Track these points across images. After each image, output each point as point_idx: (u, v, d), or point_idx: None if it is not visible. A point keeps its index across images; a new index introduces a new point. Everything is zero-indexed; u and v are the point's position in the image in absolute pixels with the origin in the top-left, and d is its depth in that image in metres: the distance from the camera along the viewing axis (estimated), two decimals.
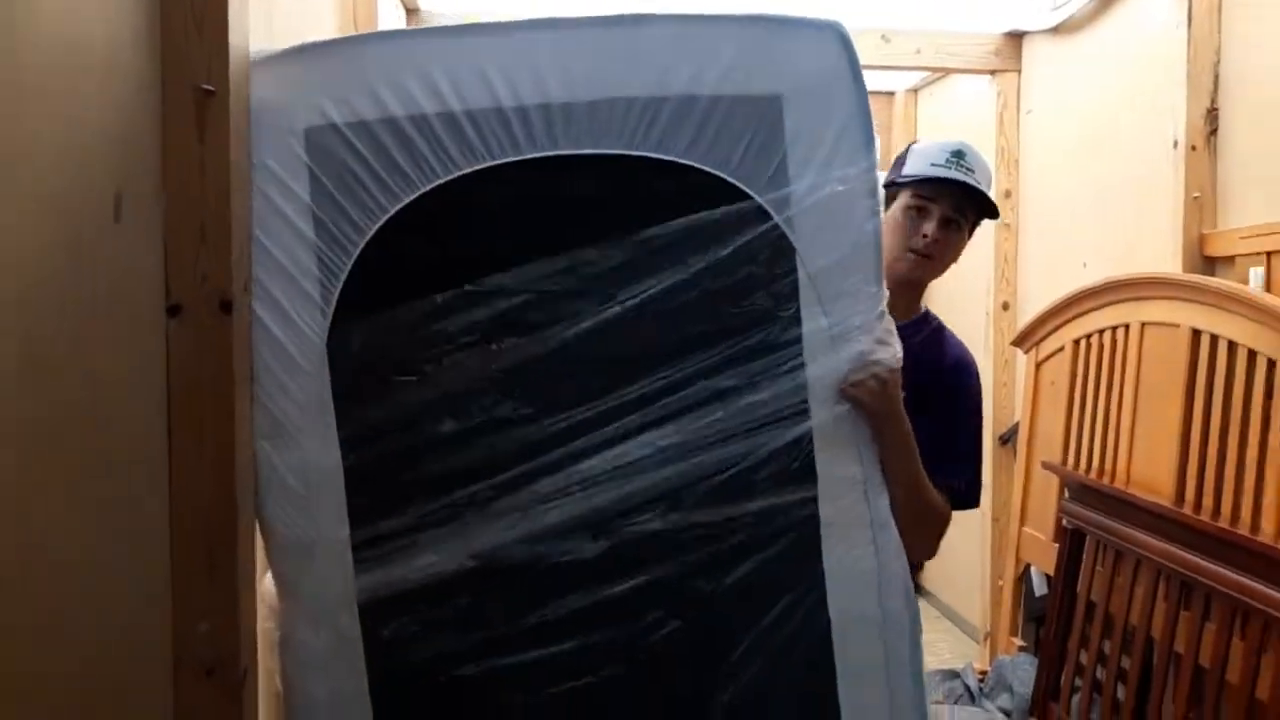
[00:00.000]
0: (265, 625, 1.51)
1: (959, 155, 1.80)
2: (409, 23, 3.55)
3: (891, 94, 5.04)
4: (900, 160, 1.88)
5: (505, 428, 1.40)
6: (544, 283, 1.40)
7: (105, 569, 1.17)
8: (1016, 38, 3.89)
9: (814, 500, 1.45)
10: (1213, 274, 2.76)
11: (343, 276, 1.37)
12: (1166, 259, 2.89)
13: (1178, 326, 2.68)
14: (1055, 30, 3.66)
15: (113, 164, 1.16)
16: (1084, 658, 2.88)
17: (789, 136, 1.42)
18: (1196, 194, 2.79)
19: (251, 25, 1.38)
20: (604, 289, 1.41)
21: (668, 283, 1.41)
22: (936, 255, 1.81)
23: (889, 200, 1.84)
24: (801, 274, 1.44)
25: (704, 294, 1.42)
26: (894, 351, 1.51)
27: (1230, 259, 2.71)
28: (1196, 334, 2.61)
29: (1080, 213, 3.53)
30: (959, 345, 1.87)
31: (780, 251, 1.43)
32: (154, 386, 1.28)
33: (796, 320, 1.44)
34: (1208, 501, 2.50)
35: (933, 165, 1.80)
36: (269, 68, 1.38)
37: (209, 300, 1.30)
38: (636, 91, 1.40)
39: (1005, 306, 3.97)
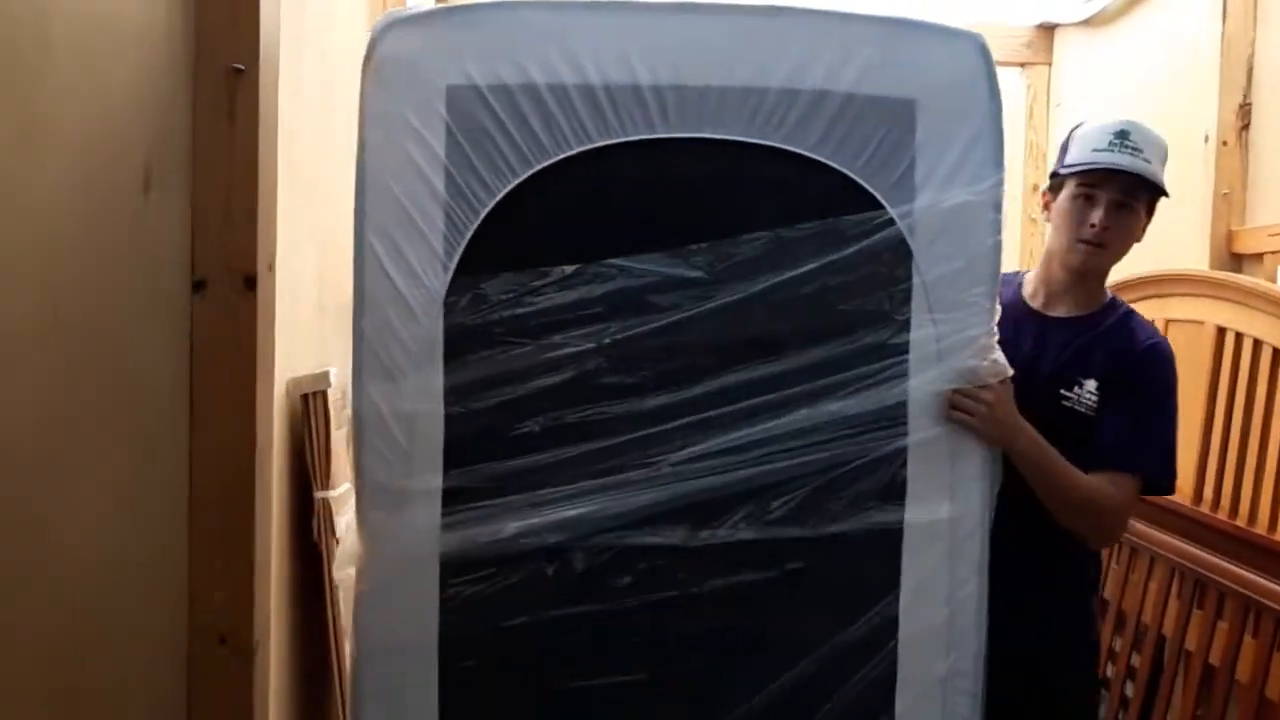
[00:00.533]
0: (343, 573, 1.53)
1: (1123, 135, 1.71)
2: None
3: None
4: (1064, 147, 1.82)
5: (606, 402, 1.42)
6: (663, 267, 1.42)
7: (123, 534, 1.20)
8: (1048, 30, 3.86)
9: (900, 521, 1.48)
10: (1240, 271, 2.73)
11: (468, 234, 1.39)
12: (1194, 256, 2.86)
13: (1203, 324, 2.66)
14: (1087, 23, 3.62)
15: (143, 138, 1.19)
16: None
17: (919, 142, 1.44)
18: (1226, 190, 2.77)
19: (283, 6, 1.40)
20: (720, 278, 1.43)
21: (784, 277, 1.43)
22: (1109, 243, 1.73)
23: (1055, 190, 1.80)
24: (916, 280, 1.46)
25: (819, 291, 1.44)
26: (1000, 368, 1.52)
27: (1258, 256, 2.68)
28: (1221, 331, 2.59)
29: None
30: (1149, 330, 1.80)
31: (898, 256, 1.45)
32: (177, 358, 1.31)
33: (906, 326, 1.46)
34: (1226, 500, 2.49)
35: (1095, 151, 1.72)
36: (415, 25, 1.40)
37: (233, 277, 1.32)
38: (771, 82, 1.42)
39: None
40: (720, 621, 1.47)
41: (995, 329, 1.53)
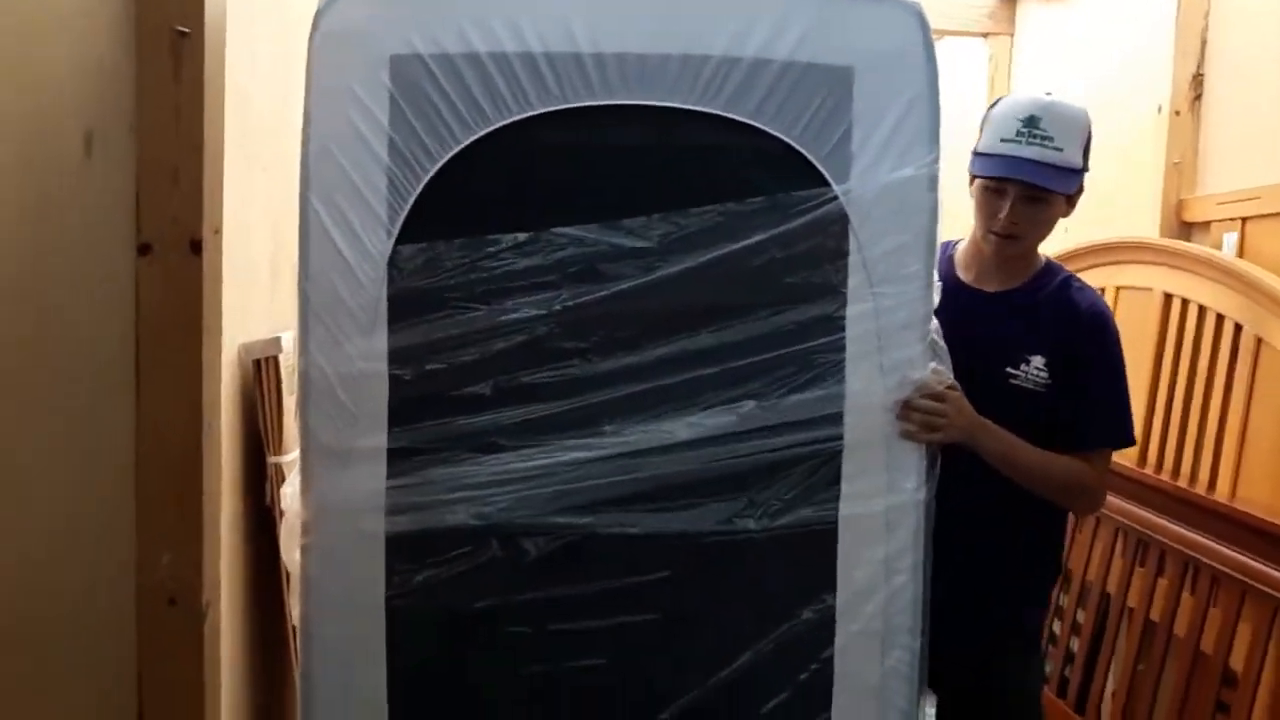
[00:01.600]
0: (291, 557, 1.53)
1: (1032, 122, 1.64)
2: None
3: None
4: (981, 126, 1.77)
5: (550, 366, 1.44)
6: (611, 238, 1.44)
7: (71, 498, 1.21)
8: (1010, 2, 3.88)
9: (835, 510, 1.50)
10: (1190, 239, 2.78)
11: (410, 200, 1.41)
12: (1145, 223, 2.91)
13: (1151, 290, 2.71)
14: None
15: (84, 102, 1.18)
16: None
17: (856, 109, 1.45)
18: (1178, 159, 2.81)
19: None
20: (667, 249, 1.45)
21: (724, 246, 1.45)
22: (1019, 234, 1.69)
23: (974, 172, 1.75)
24: (854, 250, 1.47)
25: (760, 260, 1.45)
26: (941, 372, 1.51)
27: (1206, 224, 2.74)
28: (1169, 298, 2.64)
29: None
30: (1089, 297, 1.77)
31: (836, 224, 1.46)
32: (123, 322, 1.31)
33: (845, 299, 1.47)
34: (1169, 462, 2.55)
35: (1003, 140, 1.66)
36: None
37: (179, 240, 1.33)
38: (711, 50, 1.43)
39: None
40: (653, 612, 1.49)
41: (931, 315, 1.51)
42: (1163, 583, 2.45)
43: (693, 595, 1.50)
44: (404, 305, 1.41)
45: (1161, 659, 2.42)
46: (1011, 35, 3.89)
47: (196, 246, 1.33)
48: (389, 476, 1.42)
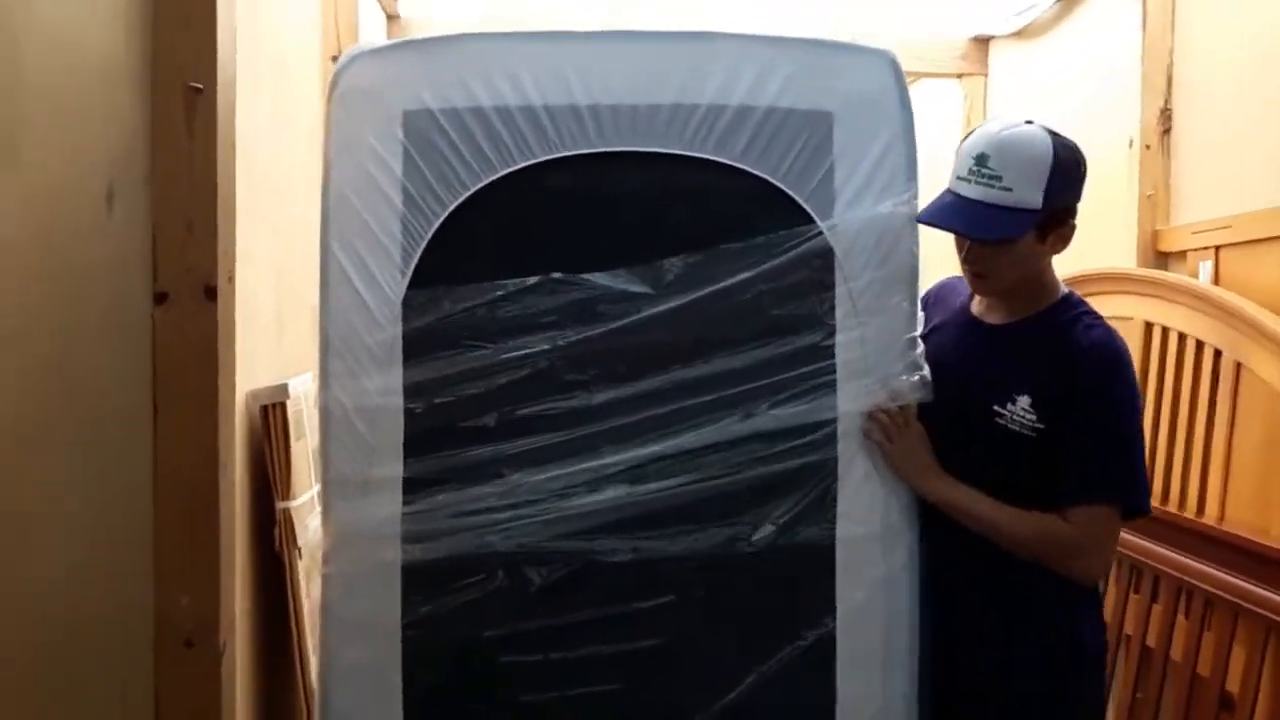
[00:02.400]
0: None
1: (981, 160, 1.54)
2: (389, 29, 3.62)
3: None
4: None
5: (555, 399, 1.52)
6: (604, 280, 1.53)
7: (90, 542, 1.24)
8: (983, 42, 3.99)
9: (832, 528, 1.56)
10: (1166, 268, 2.85)
11: (423, 244, 1.51)
12: (1122, 254, 2.98)
13: (1132, 319, 2.77)
14: (1019, 34, 3.75)
15: (105, 159, 1.23)
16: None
17: (837, 150, 1.56)
18: (1150, 191, 2.89)
19: (239, 30, 1.45)
20: (663, 291, 1.53)
21: (718, 283, 1.53)
22: (985, 273, 1.61)
23: None
24: (840, 282, 1.56)
25: (751, 297, 1.54)
26: (921, 385, 1.55)
27: (1182, 254, 2.81)
28: (1149, 326, 2.70)
29: None
30: (1092, 331, 1.59)
31: (823, 260, 1.55)
32: (141, 369, 1.35)
33: (833, 330, 1.56)
34: (1157, 487, 2.59)
35: (957, 179, 1.58)
36: (375, 58, 1.54)
37: (194, 288, 1.37)
38: (699, 99, 1.54)
39: None
40: (657, 637, 1.54)
41: (919, 340, 1.58)
42: (1157, 608, 2.48)
43: (695, 619, 1.55)
44: (417, 343, 1.50)
45: (1159, 685, 2.44)
46: (985, 75, 4.00)
47: (211, 293, 1.37)
48: (405, 505, 1.48)
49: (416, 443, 1.50)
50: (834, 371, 1.55)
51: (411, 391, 1.50)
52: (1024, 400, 1.57)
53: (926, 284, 1.72)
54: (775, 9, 3.60)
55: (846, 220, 1.55)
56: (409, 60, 1.54)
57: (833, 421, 1.55)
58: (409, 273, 1.50)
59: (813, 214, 1.55)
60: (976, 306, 1.72)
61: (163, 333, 1.36)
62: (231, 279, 1.44)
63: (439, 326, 1.50)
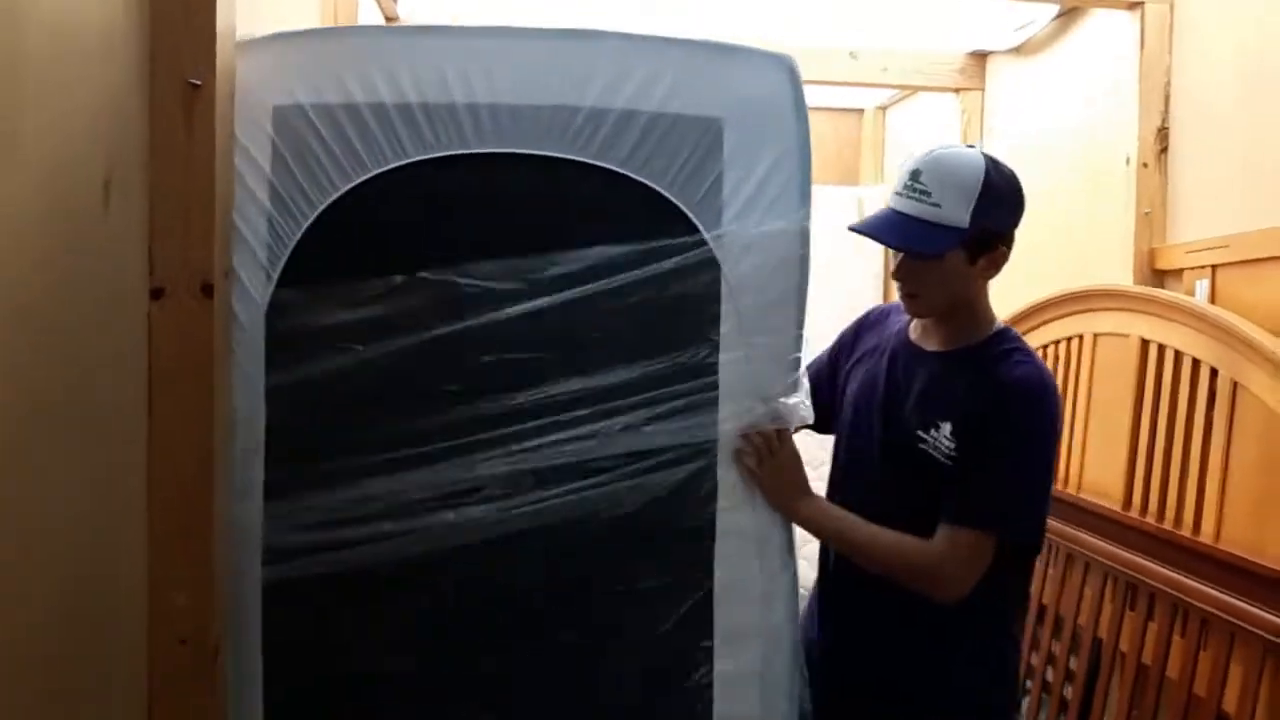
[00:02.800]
0: None
1: (914, 176, 1.58)
2: None
3: (860, 111, 5.15)
4: None
5: (419, 407, 1.48)
6: (480, 279, 1.48)
7: (84, 539, 1.22)
8: (981, 57, 4.01)
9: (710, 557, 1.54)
10: (1162, 286, 2.86)
11: (291, 245, 1.47)
12: (1119, 271, 2.99)
13: (1128, 336, 2.78)
14: (1018, 50, 3.77)
15: (103, 153, 1.22)
16: (1035, 659, 2.96)
17: (726, 159, 1.50)
18: (1147, 210, 2.90)
19: (237, 23, 1.44)
20: (535, 289, 1.48)
21: (597, 290, 1.48)
22: (917, 292, 1.64)
23: None
24: (726, 299, 1.51)
25: (633, 307, 1.49)
26: (797, 413, 1.53)
27: (1178, 272, 2.81)
28: (1145, 344, 2.71)
29: (1039, 228, 3.62)
30: (1026, 368, 1.59)
31: (708, 273, 1.51)
32: (137, 365, 1.33)
33: (716, 347, 1.51)
34: (1154, 504, 2.59)
35: (895, 193, 1.61)
36: (248, 50, 1.47)
37: (190, 284, 1.35)
38: (582, 101, 1.49)
39: None
40: (524, 618, 1.52)
41: (799, 365, 1.56)
42: (1153, 626, 2.47)
43: (565, 632, 1.53)
44: (282, 346, 1.46)
45: (1155, 704, 2.43)
46: (982, 90, 4.02)
47: (208, 289, 1.35)
48: (265, 512, 1.47)
49: (278, 449, 1.47)
50: (716, 390, 1.51)
51: (274, 398, 1.46)
52: (946, 427, 1.58)
53: (819, 304, 1.69)
54: (764, 21, 3.60)
55: (734, 233, 1.49)
56: (282, 53, 1.49)
57: (712, 441, 1.52)
58: (275, 276, 1.46)
59: (698, 224, 1.50)
60: (914, 333, 1.74)
61: (159, 329, 1.34)
62: (228, 275, 1.42)
63: (304, 329, 1.46)
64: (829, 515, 1.62)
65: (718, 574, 1.53)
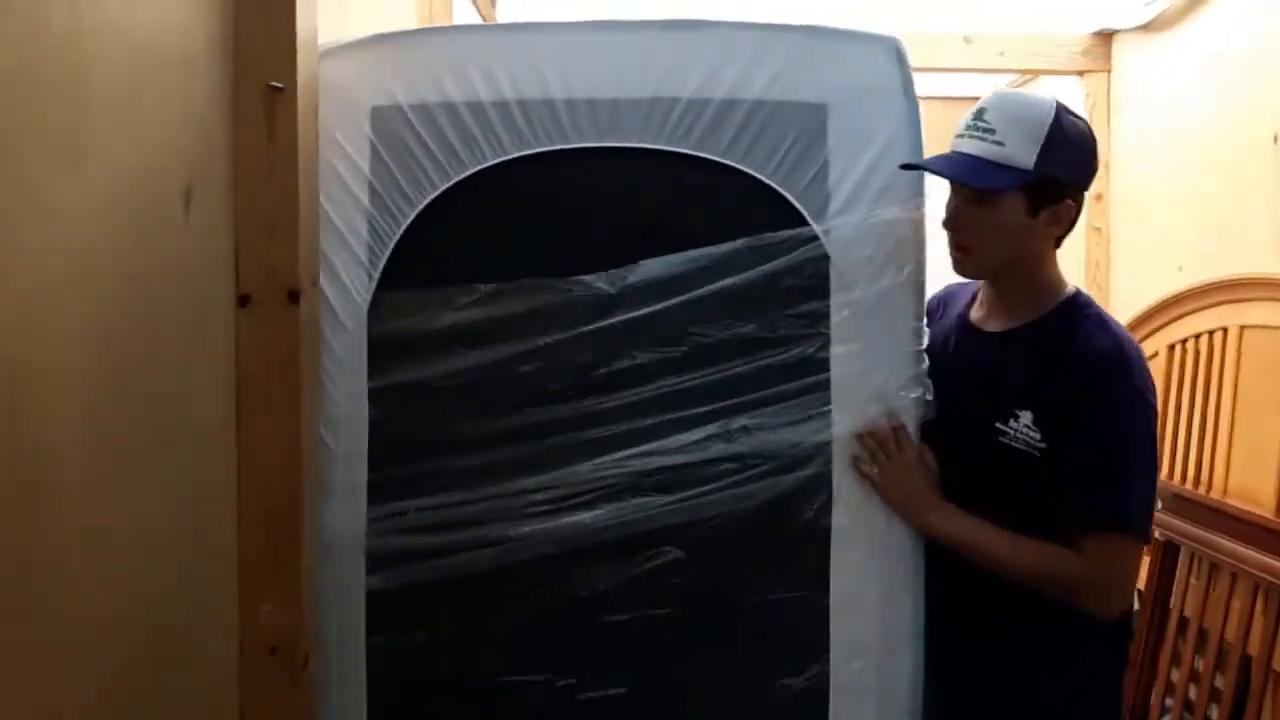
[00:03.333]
0: None
1: (978, 115, 1.47)
2: None
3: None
4: None
5: (523, 408, 1.45)
6: (579, 284, 1.44)
7: (174, 553, 1.21)
8: (1106, 37, 3.78)
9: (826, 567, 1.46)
10: None
11: (391, 245, 1.46)
12: (1265, 258, 2.77)
13: (1277, 329, 2.56)
14: (1146, 27, 3.55)
15: (183, 159, 1.21)
16: (1175, 675, 2.76)
17: (831, 146, 1.44)
18: None
19: (324, 25, 1.43)
20: (639, 296, 1.44)
21: (702, 288, 1.43)
22: (968, 245, 1.50)
23: None
24: (837, 291, 1.44)
25: (740, 301, 1.44)
26: (917, 404, 1.44)
27: None
28: None
29: (1174, 214, 3.40)
30: (1105, 335, 1.46)
31: (815, 264, 1.44)
32: (223, 373, 1.33)
33: (827, 340, 1.44)
34: None
35: (956, 135, 1.50)
36: (347, 52, 1.48)
37: (277, 291, 1.34)
38: (681, 92, 1.45)
39: None
40: (632, 626, 1.46)
41: (921, 359, 1.46)
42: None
43: (678, 655, 1.47)
44: (384, 348, 1.45)
45: (1261, 697, 2.22)
46: (1109, 72, 3.79)
47: (295, 296, 1.34)
48: (369, 515, 1.45)
49: (382, 452, 1.45)
50: (828, 388, 1.44)
51: (377, 399, 1.45)
52: (1026, 416, 1.45)
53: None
54: (872, 5, 3.47)
55: (843, 223, 1.42)
56: (379, 54, 1.49)
57: (826, 445, 1.44)
58: (376, 276, 1.45)
59: (805, 214, 1.43)
60: (976, 312, 1.62)
61: (246, 337, 1.33)
62: (315, 283, 1.41)
63: (407, 331, 1.44)
64: (962, 525, 1.47)
65: (834, 585, 1.45)
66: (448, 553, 1.44)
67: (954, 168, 1.46)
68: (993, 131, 1.45)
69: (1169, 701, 2.77)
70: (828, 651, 1.45)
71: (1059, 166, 1.46)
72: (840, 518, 1.45)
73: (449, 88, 1.45)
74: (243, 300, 1.33)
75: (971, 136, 1.47)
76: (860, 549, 1.45)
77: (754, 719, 1.46)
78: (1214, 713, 2.60)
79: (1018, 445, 1.46)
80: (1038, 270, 1.53)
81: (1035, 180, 1.44)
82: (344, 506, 1.45)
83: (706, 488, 1.43)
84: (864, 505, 1.45)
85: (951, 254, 1.53)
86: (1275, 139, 2.75)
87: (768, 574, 1.46)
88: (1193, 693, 2.69)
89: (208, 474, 1.30)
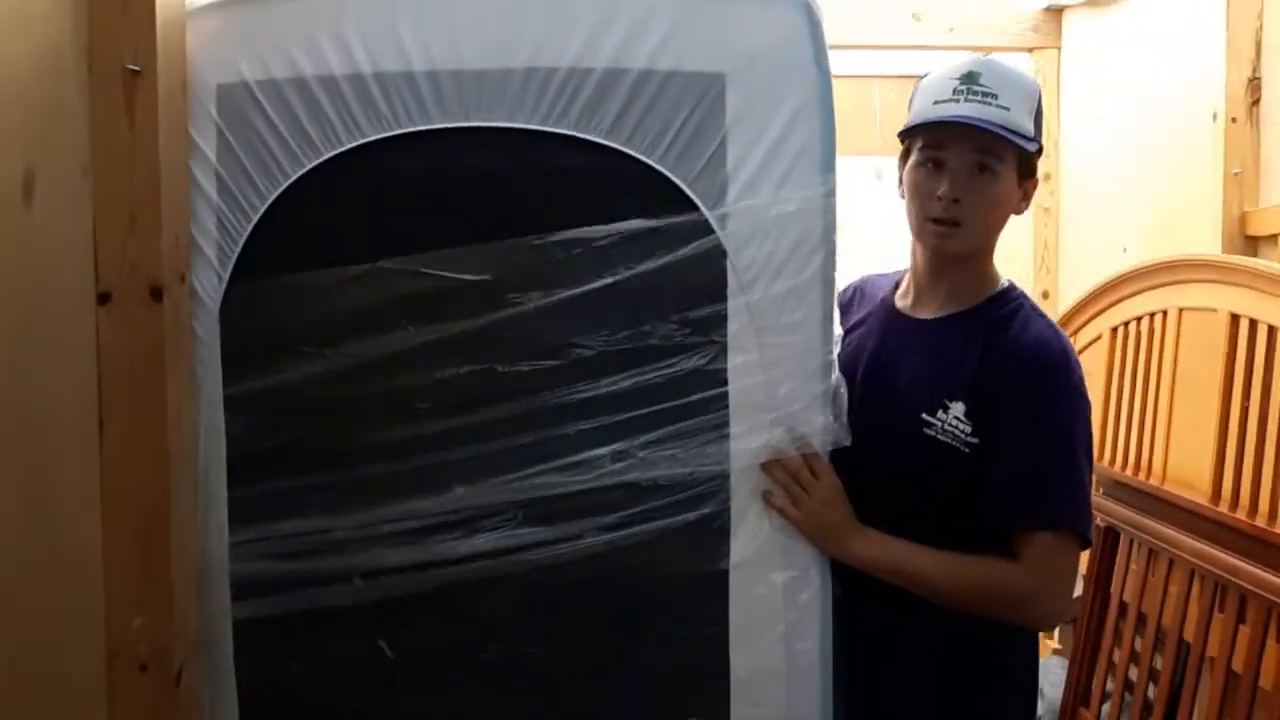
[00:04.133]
0: None
1: (970, 79, 1.37)
2: None
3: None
4: (910, 103, 1.50)
5: (386, 417, 1.35)
6: (449, 269, 1.32)
7: (34, 566, 1.14)
8: (1055, 12, 3.73)
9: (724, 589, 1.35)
10: (1255, 254, 2.60)
11: (241, 241, 1.34)
12: (1207, 239, 2.73)
13: (1216, 311, 2.53)
14: (1092, 3, 3.50)
15: (21, 144, 1.12)
16: (1117, 657, 2.75)
17: (730, 122, 1.30)
18: (1237, 169, 2.64)
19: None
20: (513, 284, 1.32)
21: (584, 284, 1.31)
22: (964, 219, 1.39)
23: (904, 156, 1.48)
24: (734, 291, 1.30)
25: (623, 301, 1.31)
26: (832, 432, 1.33)
27: (1273, 238, 2.56)
28: (1235, 319, 2.46)
29: (1122, 194, 3.36)
30: (1039, 326, 1.41)
31: (710, 260, 1.30)
32: (83, 375, 1.25)
33: (724, 349, 1.31)
34: (1245, 498, 2.35)
35: (936, 103, 1.39)
36: (190, 22, 1.34)
37: (139, 288, 1.26)
38: (557, 61, 1.30)
39: (1045, 295, 3.80)
40: (517, 662, 1.38)
41: (831, 369, 1.33)
42: (1245, 630, 2.24)
43: (564, 669, 1.38)
44: (238, 353, 1.34)
45: (1247, 713, 2.20)
46: (1058, 48, 3.74)
47: (158, 294, 1.26)
48: (230, 533, 1.35)
49: (241, 467, 1.35)
50: (725, 404, 1.31)
51: (233, 408, 1.34)
52: (957, 407, 1.38)
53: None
54: None
55: (740, 209, 1.28)
56: (225, 24, 1.34)
57: (723, 473, 1.32)
58: (226, 276, 1.33)
59: (698, 201, 1.29)
60: (902, 299, 1.52)
61: (107, 336, 1.26)
62: (184, 279, 1.33)
63: (261, 332, 1.34)
64: (889, 549, 1.38)
65: (733, 621, 1.35)
66: (311, 582, 1.36)
67: (987, 120, 1.34)
68: (995, 96, 1.36)
69: (1110, 681, 2.76)
70: (728, 691, 1.35)
71: (1039, 139, 1.41)
72: (740, 553, 1.34)
73: (299, 61, 1.31)
74: (102, 298, 1.25)
75: (971, 100, 1.36)
76: (762, 585, 1.35)
77: None
78: (1152, 693, 2.59)
79: (944, 439, 1.38)
80: (988, 253, 1.46)
81: (1028, 151, 1.40)
82: (205, 526, 1.36)
83: (590, 522, 1.33)
84: (767, 538, 1.35)
85: (932, 230, 1.41)
86: (1215, 116, 2.71)
87: (661, 609, 1.37)
88: (1133, 674, 2.68)
89: (69, 483, 1.23)
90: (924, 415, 1.39)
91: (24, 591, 1.13)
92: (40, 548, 1.17)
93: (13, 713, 1.14)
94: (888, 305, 1.53)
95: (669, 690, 1.37)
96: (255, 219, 1.34)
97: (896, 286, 1.56)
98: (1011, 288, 1.47)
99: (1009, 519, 1.36)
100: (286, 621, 1.38)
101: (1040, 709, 3.07)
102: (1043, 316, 1.43)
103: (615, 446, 1.32)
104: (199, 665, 1.37)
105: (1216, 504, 2.42)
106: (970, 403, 1.37)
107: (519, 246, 1.31)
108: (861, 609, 1.45)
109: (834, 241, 1.32)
